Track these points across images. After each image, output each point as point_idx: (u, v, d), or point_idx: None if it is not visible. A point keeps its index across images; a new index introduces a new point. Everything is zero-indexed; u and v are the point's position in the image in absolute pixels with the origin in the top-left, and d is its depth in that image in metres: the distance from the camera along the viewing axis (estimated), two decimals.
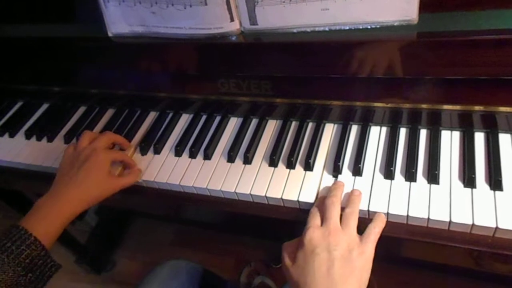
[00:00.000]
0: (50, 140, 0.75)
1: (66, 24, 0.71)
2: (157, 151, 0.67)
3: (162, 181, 0.62)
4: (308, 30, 0.56)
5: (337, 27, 0.54)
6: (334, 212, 0.49)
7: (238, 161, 0.62)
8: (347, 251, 0.46)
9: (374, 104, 0.59)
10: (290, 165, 0.59)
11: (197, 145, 0.66)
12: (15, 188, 0.92)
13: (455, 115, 0.56)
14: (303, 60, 0.56)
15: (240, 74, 0.61)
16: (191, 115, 0.72)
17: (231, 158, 0.63)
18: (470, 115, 0.55)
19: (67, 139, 0.74)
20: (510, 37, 0.46)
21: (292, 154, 0.60)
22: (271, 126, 0.67)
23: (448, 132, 0.58)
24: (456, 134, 0.58)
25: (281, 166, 0.60)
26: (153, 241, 1.35)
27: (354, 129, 0.63)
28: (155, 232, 1.37)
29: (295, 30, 0.56)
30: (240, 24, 0.58)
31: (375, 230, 0.48)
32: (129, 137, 0.71)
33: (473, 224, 0.47)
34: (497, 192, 0.50)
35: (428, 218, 0.49)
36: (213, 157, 0.64)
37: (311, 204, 0.54)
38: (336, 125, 0.64)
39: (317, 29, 0.55)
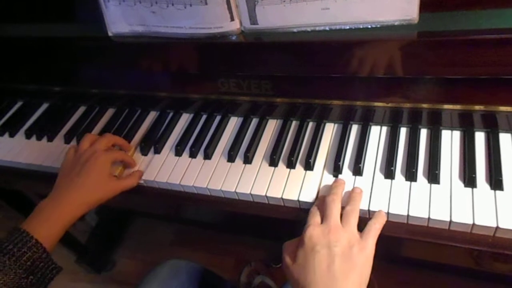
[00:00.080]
0: (50, 139, 0.75)
1: (66, 23, 0.71)
2: (158, 151, 0.67)
3: (162, 181, 0.62)
4: (309, 29, 0.56)
5: (338, 27, 0.54)
6: (334, 209, 0.49)
7: (239, 160, 0.62)
8: (348, 247, 0.45)
9: (374, 104, 0.59)
10: (291, 164, 0.59)
11: (198, 144, 0.66)
12: (15, 188, 0.92)
13: (455, 114, 0.56)
14: (304, 60, 0.56)
15: (240, 74, 0.61)
16: (192, 115, 0.72)
17: (231, 158, 0.63)
18: (471, 115, 0.55)
19: (67, 138, 0.74)
20: (510, 37, 0.46)
21: (293, 154, 0.60)
22: (272, 126, 0.67)
23: (449, 131, 0.58)
24: (457, 134, 0.58)
25: (282, 165, 0.60)
26: (153, 241, 1.35)
27: (355, 129, 0.63)
28: (155, 231, 1.37)
29: (295, 30, 0.56)
30: (240, 23, 0.58)
31: (375, 226, 0.48)
32: (130, 136, 0.71)
33: (473, 224, 0.47)
34: (498, 192, 0.50)
35: (429, 218, 0.49)
36: (213, 156, 0.64)
37: (312, 204, 0.54)
38: (336, 125, 0.64)
39: (317, 28, 0.55)
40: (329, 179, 0.57)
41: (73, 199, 0.57)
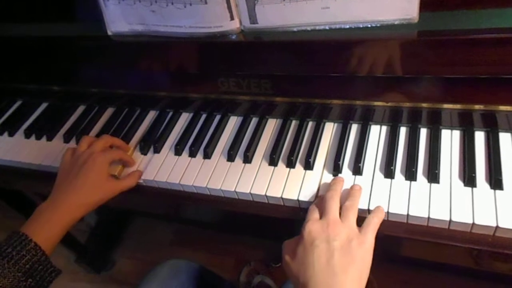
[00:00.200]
0: (49, 139, 0.75)
1: (66, 23, 0.71)
2: (157, 150, 0.67)
3: (162, 180, 0.62)
4: (308, 28, 0.55)
5: (338, 26, 0.54)
6: (333, 205, 0.49)
7: (238, 160, 0.62)
8: (347, 241, 0.45)
9: (374, 103, 0.59)
10: (290, 164, 0.59)
11: (197, 144, 0.66)
12: (15, 188, 0.92)
13: (455, 114, 0.56)
14: (303, 59, 0.56)
15: (240, 73, 0.61)
16: (191, 114, 0.72)
17: (231, 157, 0.63)
18: (471, 114, 0.55)
19: (67, 138, 0.74)
20: (510, 36, 0.46)
21: (292, 153, 0.60)
22: (271, 125, 0.67)
23: (449, 131, 0.58)
24: (456, 133, 0.58)
25: (281, 165, 0.60)
26: (152, 241, 1.35)
27: (354, 128, 0.63)
28: (154, 231, 1.37)
29: (295, 29, 0.56)
30: (240, 22, 0.58)
31: (374, 221, 0.48)
32: (129, 136, 0.71)
33: (473, 223, 0.47)
34: (498, 191, 0.50)
35: (428, 217, 0.49)
36: (213, 156, 0.64)
37: (311, 203, 0.54)
38: (336, 124, 0.64)
39: (317, 27, 0.55)
40: (329, 178, 0.57)
41: (72, 201, 0.57)
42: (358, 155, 0.57)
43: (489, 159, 0.53)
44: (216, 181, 0.60)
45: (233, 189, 0.58)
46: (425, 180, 0.53)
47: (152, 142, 0.68)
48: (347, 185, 0.55)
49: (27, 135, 0.77)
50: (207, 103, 0.70)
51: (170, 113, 0.73)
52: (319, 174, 0.58)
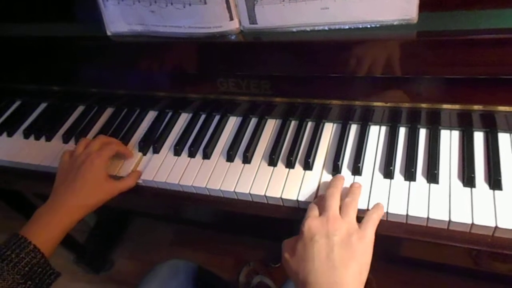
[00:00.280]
0: (48, 139, 0.75)
1: (65, 23, 0.71)
2: (156, 151, 0.67)
3: (161, 181, 0.62)
4: (308, 29, 0.55)
5: (337, 26, 0.54)
6: (333, 202, 0.49)
7: (238, 160, 0.62)
8: (347, 236, 0.45)
9: (373, 104, 0.59)
10: (290, 164, 0.59)
11: (196, 144, 0.66)
12: (14, 188, 0.92)
13: (454, 114, 0.56)
14: (303, 60, 0.56)
15: (240, 73, 0.61)
16: (190, 115, 0.72)
17: (230, 158, 0.63)
18: (470, 115, 0.55)
19: (66, 138, 0.74)
20: (509, 37, 0.46)
21: (292, 154, 0.60)
22: (271, 126, 0.67)
23: (448, 131, 0.58)
24: (456, 134, 0.58)
25: (281, 165, 0.60)
26: (152, 241, 1.35)
27: (354, 129, 0.63)
28: (154, 232, 1.37)
29: (294, 29, 0.56)
30: (240, 23, 0.58)
31: (374, 216, 0.48)
32: (128, 136, 0.71)
33: (472, 224, 0.47)
34: (497, 192, 0.50)
35: (428, 218, 0.49)
36: (212, 156, 0.64)
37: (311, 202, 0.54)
38: (335, 125, 0.64)
39: (316, 28, 0.55)
40: (328, 178, 0.57)
41: (71, 203, 0.57)
42: (358, 156, 0.58)
43: (488, 160, 0.53)
44: (216, 181, 0.60)
45: (232, 190, 0.58)
46: (424, 181, 0.53)
47: (151, 142, 0.68)
48: (346, 185, 0.55)
49: (26, 135, 0.77)
50: (207, 104, 0.70)
51: (170, 113, 0.73)
52: (319, 174, 0.58)
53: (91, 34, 0.66)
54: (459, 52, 0.48)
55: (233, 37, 0.59)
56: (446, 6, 0.51)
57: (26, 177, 0.73)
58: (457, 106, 0.54)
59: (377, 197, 0.52)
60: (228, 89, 0.64)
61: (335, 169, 0.57)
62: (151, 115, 0.75)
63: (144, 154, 0.67)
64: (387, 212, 0.51)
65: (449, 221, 0.48)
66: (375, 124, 0.62)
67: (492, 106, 0.53)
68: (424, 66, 0.51)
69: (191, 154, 0.65)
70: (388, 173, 0.55)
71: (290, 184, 0.57)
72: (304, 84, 0.60)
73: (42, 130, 0.76)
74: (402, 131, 0.60)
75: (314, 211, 0.49)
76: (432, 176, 0.53)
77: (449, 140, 0.57)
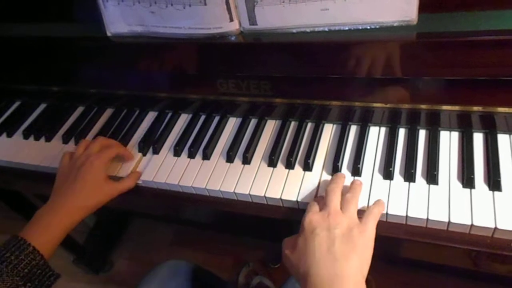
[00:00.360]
0: (48, 140, 0.75)
1: (65, 23, 0.71)
2: (156, 151, 0.67)
3: (161, 181, 0.62)
4: (308, 30, 0.56)
5: (337, 28, 0.54)
6: (334, 197, 0.49)
7: (237, 161, 0.62)
8: (348, 230, 0.45)
9: (373, 105, 0.59)
10: (289, 165, 0.59)
11: (196, 145, 0.66)
12: (14, 188, 0.92)
13: (454, 115, 0.56)
14: (303, 60, 0.56)
15: (239, 74, 0.61)
16: (190, 115, 0.72)
17: (230, 158, 0.63)
18: (469, 116, 0.55)
19: (65, 139, 0.74)
20: (509, 38, 0.46)
21: (291, 154, 0.60)
22: (270, 126, 0.67)
23: (447, 132, 0.58)
24: (455, 135, 0.58)
25: (280, 166, 0.60)
26: (151, 242, 1.35)
27: (353, 130, 0.63)
28: (153, 232, 1.37)
29: (294, 30, 0.56)
30: (240, 24, 0.58)
31: (375, 211, 0.48)
32: (128, 137, 0.71)
33: (472, 225, 0.47)
34: (496, 193, 0.50)
35: (427, 219, 0.49)
36: (212, 157, 0.64)
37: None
38: (335, 125, 0.64)
39: (316, 29, 0.55)
40: (328, 179, 0.57)
41: (71, 204, 0.57)
42: (357, 156, 0.58)
43: (488, 161, 0.53)
44: (215, 182, 0.60)
45: (232, 190, 0.58)
46: (424, 182, 0.53)
47: (151, 143, 0.68)
48: (346, 184, 0.55)
49: (26, 135, 0.77)
50: (206, 104, 0.70)
51: (169, 114, 0.73)
52: (318, 175, 0.58)
53: (91, 34, 0.66)
54: (459, 53, 0.48)
55: (233, 38, 0.59)
56: (446, 8, 0.51)
57: (26, 178, 0.73)
58: (456, 107, 0.55)
59: (377, 198, 0.52)
60: (228, 90, 0.64)
61: (335, 170, 0.57)
62: (151, 116, 0.75)
63: (144, 155, 0.67)
64: (386, 213, 0.51)
65: (449, 222, 0.48)
66: (375, 125, 0.62)
67: (491, 107, 0.53)
68: (423, 68, 0.51)
69: (191, 155, 0.65)
70: (387, 174, 0.55)
71: (290, 185, 0.57)
72: (304, 85, 0.60)
73: (42, 130, 0.76)
74: (401, 132, 0.60)
75: (315, 207, 0.50)
76: (431, 177, 0.53)
77: (449, 141, 0.57)
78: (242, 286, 1.13)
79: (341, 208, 0.48)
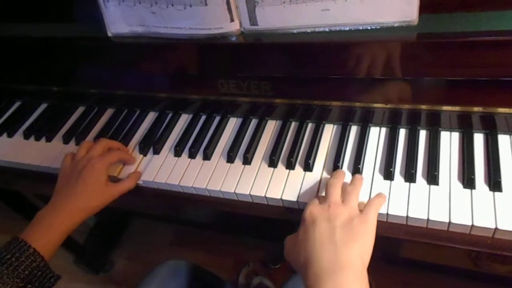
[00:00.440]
0: (48, 140, 0.75)
1: (66, 24, 0.71)
2: (157, 151, 0.67)
3: (161, 181, 0.62)
4: (308, 30, 0.56)
5: (337, 28, 0.54)
6: (334, 191, 0.49)
7: (238, 161, 0.62)
8: (348, 220, 0.45)
9: (373, 105, 0.59)
10: (290, 165, 0.59)
11: (197, 145, 0.66)
12: (14, 189, 0.92)
13: (454, 116, 0.56)
14: (303, 61, 0.56)
15: (240, 75, 0.61)
16: (191, 115, 0.72)
17: (230, 159, 0.63)
18: (470, 116, 0.55)
19: (66, 139, 0.74)
20: (509, 39, 0.46)
21: (292, 155, 0.60)
22: (271, 127, 0.67)
23: (448, 133, 0.58)
24: (456, 135, 0.58)
25: (281, 166, 0.60)
26: (152, 242, 1.35)
27: (354, 130, 0.63)
28: (154, 232, 1.37)
29: (295, 31, 0.56)
30: (240, 24, 0.58)
31: (375, 201, 0.49)
32: (128, 137, 0.71)
33: (472, 225, 0.47)
34: (497, 193, 0.50)
35: (428, 219, 0.49)
36: (212, 157, 0.64)
37: None
38: (335, 126, 0.64)
39: (317, 29, 0.55)
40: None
41: (71, 208, 0.57)
42: (358, 157, 0.58)
43: (488, 161, 0.53)
44: (216, 182, 0.60)
45: (232, 191, 0.58)
46: (425, 182, 0.53)
47: (151, 143, 0.68)
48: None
49: (26, 136, 0.77)
50: (207, 105, 0.70)
51: (170, 114, 0.73)
52: (319, 175, 0.58)
53: (92, 35, 0.66)
54: (459, 54, 0.48)
55: (233, 39, 0.59)
56: (447, 8, 0.51)
57: (26, 178, 0.73)
58: (457, 108, 0.55)
59: None
60: (229, 90, 0.64)
61: (335, 170, 0.57)
62: (151, 116, 0.75)
63: (145, 155, 0.67)
64: (387, 214, 0.51)
65: (449, 223, 0.48)
66: (375, 125, 0.62)
67: (492, 108, 0.53)
68: (424, 68, 0.51)
69: (192, 155, 0.65)
70: (388, 175, 0.55)
71: (290, 185, 0.57)
72: (305, 85, 0.60)
73: (43, 130, 0.76)
74: (402, 132, 0.60)
75: (315, 201, 0.50)
76: (432, 177, 0.53)
77: (449, 141, 0.57)
78: (242, 286, 1.13)
79: (342, 201, 0.49)
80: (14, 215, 1.06)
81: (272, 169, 0.60)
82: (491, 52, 0.47)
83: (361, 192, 0.52)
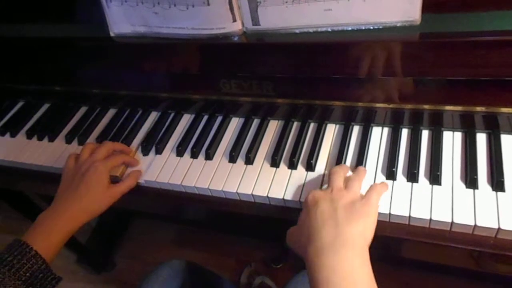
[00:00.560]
0: (51, 140, 0.75)
1: (69, 24, 0.71)
2: (159, 151, 0.67)
3: (163, 181, 0.62)
4: (311, 30, 0.56)
5: (340, 28, 0.54)
6: (337, 177, 0.50)
7: (240, 161, 0.62)
8: (350, 202, 0.46)
9: (376, 105, 0.59)
10: (292, 165, 0.59)
11: (199, 145, 0.66)
12: (16, 189, 0.92)
13: (457, 115, 0.56)
14: (305, 61, 0.56)
15: (242, 75, 0.61)
16: (193, 115, 0.72)
17: (232, 158, 0.63)
18: (472, 116, 0.55)
19: (69, 139, 0.74)
20: None
21: (294, 155, 0.60)
22: (273, 127, 0.67)
23: (450, 132, 0.58)
24: (458, 135, 0.58)
25: (283, 166, 0.60)
26: (153, 241, 1.35)
27: (356, 130, 0.63)
28: (155, 232, 1.37)
29: (297, 31, 0.56)
30: (243, 24, 0.58)
31: (377, 186, 0.49)
32: (131, 137, 0.71)
33: (475, 225, 0.47)
34: (499, 193, 0.50)
35: (430, 219, 0.49)
36: (214, 157, 0.64)
37: None
38: (338, 126, 0.64)
39: (319, 29, 0.55)
40: None
41: (73, 210, 0.57)
42: (360, 157, 0.58)
43: (491, 161, 0.53)
44: (218, 182, 0.60)
45: (234, 190, 0.58)
46: (427, 182, 0.53)
47: (154, 143, 0.68)
48: None
49: (29, 136, 0.77)
50: (209, 105, 0.71)
51: (172, 114, 0.73)
52: (321, 175, 0.58)
53: (94, 35, 0.66)
54: (462, 53, 0.48)
55: (236, 39, 0.59)
56: (449, 8, 0.51)
57: (29, 178, 0.73)
58: (459, 108, 0.54)
59: (380, 198, 0.52)
60: (231, 90, 0.64)
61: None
62: (153, 116, 0.75)
63: (147, 155, 0.68)
64: (389, 213, 0.51)
65: (452, 223, 0.48)
66: (378, 125, 0.62)
67: (495, 108, 0.53)
68: (426, 68, 0.51)
69: (194, 155, 0.65)
70: (390, 174, 0.55)
71: (293, 185, 0.57)
72: (307, 85, 0.60)
73: (45, 130, 0.76)
74: (404, 132, 0.60)
75: (317, 189, 0.50)
76: (434, 177, 0.53)
77: (452, 141, 0.57)
78: (244, 286, 1.13)
79: (345, 188, 0.49)
80: (17, 215, 1.07)
81: (274, 169, 0.60)
82: (493, 52, 0.47)
83: (363, 190, 0.52)
